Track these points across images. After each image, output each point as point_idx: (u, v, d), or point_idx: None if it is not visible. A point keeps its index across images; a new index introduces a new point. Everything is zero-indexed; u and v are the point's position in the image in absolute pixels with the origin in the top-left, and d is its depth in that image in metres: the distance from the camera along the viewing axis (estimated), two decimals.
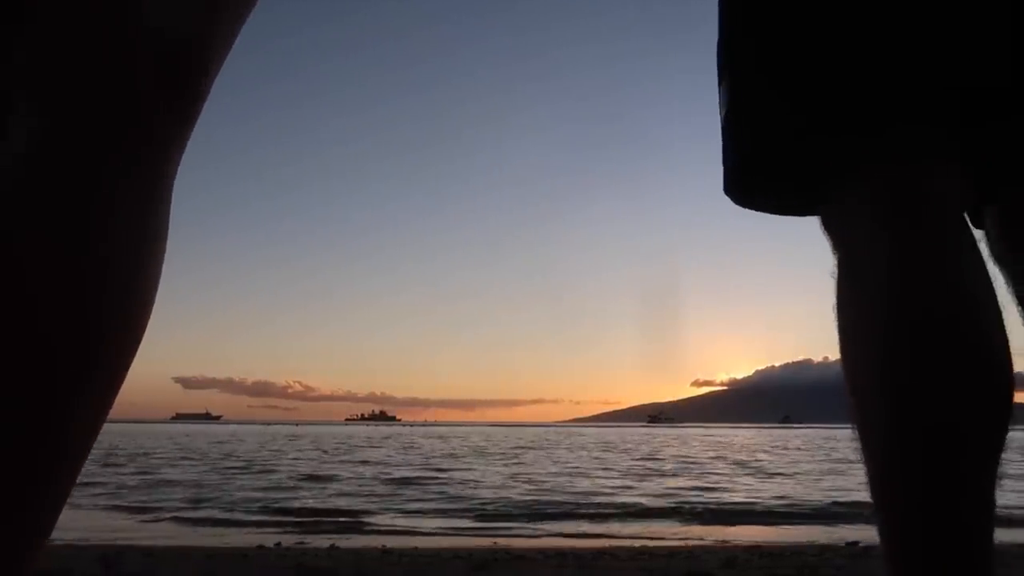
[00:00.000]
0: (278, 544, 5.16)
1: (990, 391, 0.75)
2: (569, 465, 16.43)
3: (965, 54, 0.76)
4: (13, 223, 0.51)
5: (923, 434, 0.74)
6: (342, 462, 16.90)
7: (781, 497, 9.68)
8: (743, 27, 0.85)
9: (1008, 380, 0.75)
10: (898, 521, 0.76)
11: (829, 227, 0.83)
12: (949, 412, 0.74)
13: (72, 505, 8.69)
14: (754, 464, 16.84)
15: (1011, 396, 0.75)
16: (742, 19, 0.85)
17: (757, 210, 0.93)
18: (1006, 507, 8.68)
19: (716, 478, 12.65)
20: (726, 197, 0.90)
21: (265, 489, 10.57)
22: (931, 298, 0.76)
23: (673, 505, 8.51)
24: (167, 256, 0.59)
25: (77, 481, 0.51)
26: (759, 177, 0.87)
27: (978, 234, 0.89)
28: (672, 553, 4.50)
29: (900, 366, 0.75)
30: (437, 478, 12.52)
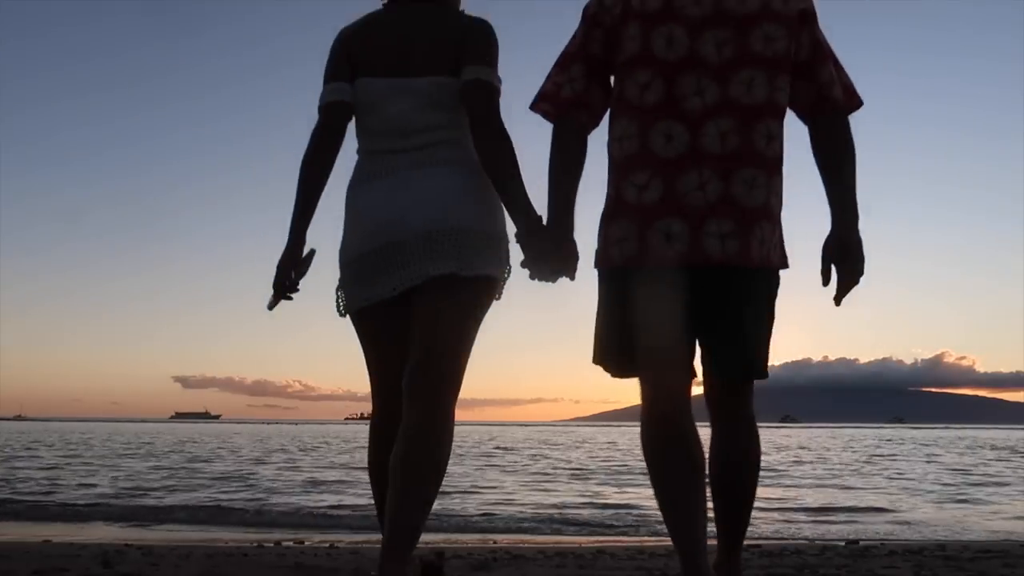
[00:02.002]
0: (278, 543, 5.15)
1: (697, 471, 1.89)
2: (568, 464, 16.42)
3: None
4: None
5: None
6: (342, 463, 16.90)
7: (781, 496, 9.67)
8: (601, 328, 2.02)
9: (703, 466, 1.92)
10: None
11: None
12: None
13: (72, 504, 8.69)
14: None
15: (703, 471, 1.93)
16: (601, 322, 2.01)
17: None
18: (1006, 507, 8.67)
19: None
20: None
21: (265, 488, 10.56)
22: (676, 430, 1.91)
23: None
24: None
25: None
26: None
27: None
28: (672, 552, 4.49)
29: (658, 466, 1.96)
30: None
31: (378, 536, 2.03)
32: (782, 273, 2.02)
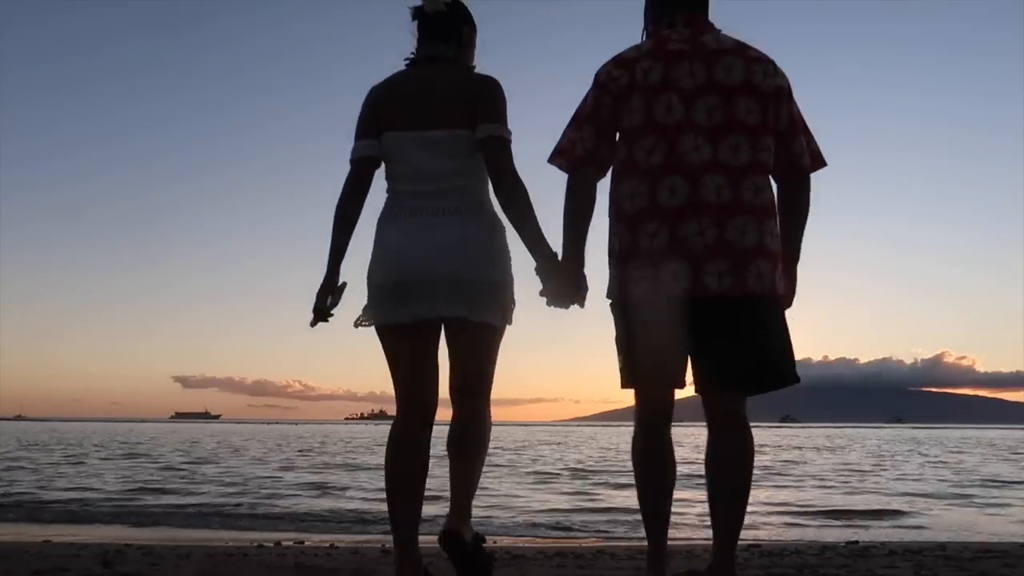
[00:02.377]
0: (277, 543, 5.15)
1: (671, 480, 2.35)
2: (568, 463, 16.42)
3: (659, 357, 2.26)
4: None
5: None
6: (342, 464, 16.90)
7: (781, 496, 9.67)
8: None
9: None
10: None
11: None
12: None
13: (72, 505, 8.69)
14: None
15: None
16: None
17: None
18: (1007, 504, 8.66)
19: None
20: None
21: (264, 488, 10.57)
22: (661, 451, 2.34)
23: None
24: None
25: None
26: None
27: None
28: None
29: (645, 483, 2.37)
30: (436, 476, 12.50)
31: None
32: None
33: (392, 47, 2.46)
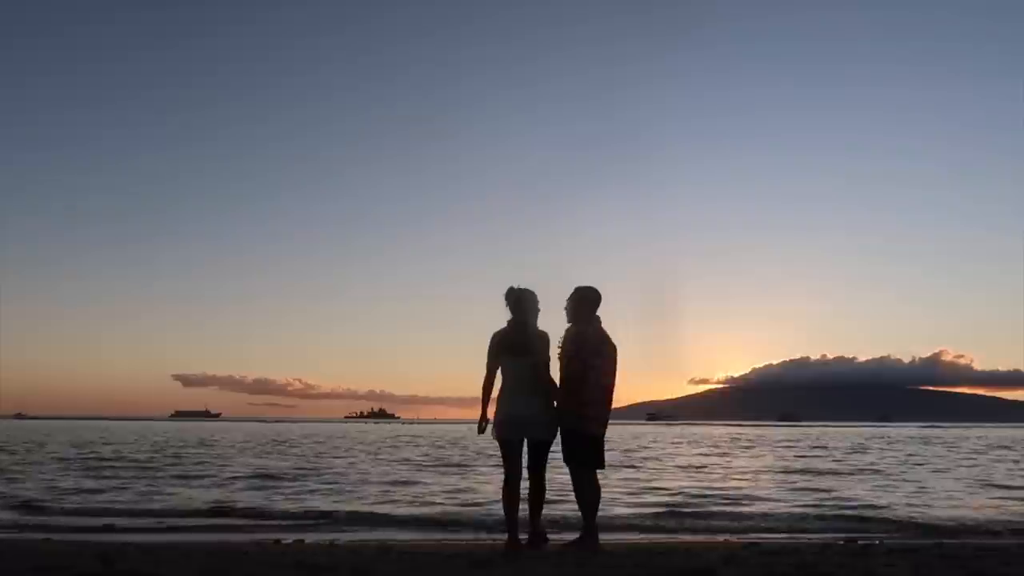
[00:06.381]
0: (277, 542, 5.15)
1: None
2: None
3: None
4: None
5: None
6: (342, 464, 16.87)
7: (781, 495, 9.67)
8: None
9: None
10: None
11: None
12: None
13: (72, 503, 8.63)
14: (754, 462, 16.82)
15: None
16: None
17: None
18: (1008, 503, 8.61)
19: (715, 476, 12.62)
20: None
21: (264, 487, 10.56)
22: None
23: (672, 502, 8.49)
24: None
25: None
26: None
27: None
28: (670, 551, 4.50)
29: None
30: (436, 476, 12.50)
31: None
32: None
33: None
